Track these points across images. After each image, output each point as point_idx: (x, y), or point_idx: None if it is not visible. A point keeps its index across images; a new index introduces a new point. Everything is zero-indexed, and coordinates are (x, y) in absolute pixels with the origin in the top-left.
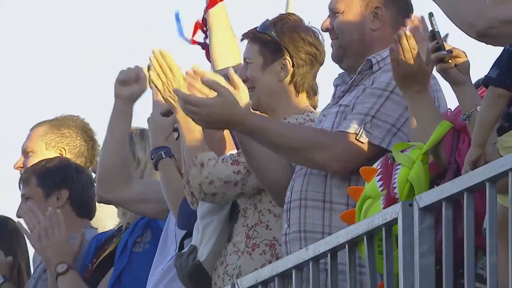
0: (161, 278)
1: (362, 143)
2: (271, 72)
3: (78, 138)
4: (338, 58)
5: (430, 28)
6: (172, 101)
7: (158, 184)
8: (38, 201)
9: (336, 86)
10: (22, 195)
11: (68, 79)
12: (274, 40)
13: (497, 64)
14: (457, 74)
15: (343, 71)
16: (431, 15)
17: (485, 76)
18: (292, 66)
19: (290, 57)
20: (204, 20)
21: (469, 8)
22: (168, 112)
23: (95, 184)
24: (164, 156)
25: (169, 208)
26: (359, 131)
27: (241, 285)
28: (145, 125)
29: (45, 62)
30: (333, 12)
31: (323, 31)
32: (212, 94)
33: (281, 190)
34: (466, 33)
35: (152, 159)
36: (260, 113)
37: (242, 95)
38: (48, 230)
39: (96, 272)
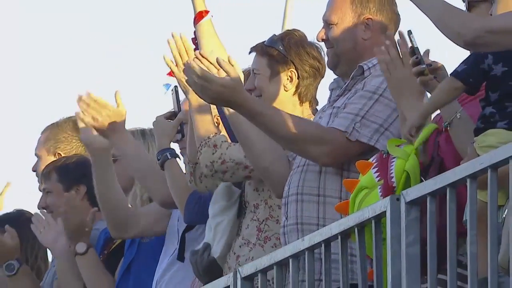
0: (166, 270)
1: (352, 141)
2: (278, 82)
3: (74, 140)
4: (333, 65)
5: (409, 45)
6: (187, 84)
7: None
8: (57, 195)
9: (331, 90)
10: (43, 189)
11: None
12: (282, 54)
13: (465, 61)
14: (437, 83)
15: (337, 76)
16: (409, 32)
17: (454, 69)
18: (298, 78)
19: (296, 70)
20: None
21: (457, 20)
22: (171, 116)
23: None
24: (169, 157)
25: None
26: (350, 130)
27: (242, 272)
28: (144, 126)
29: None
30: (328, 24)
31: (318, 41)
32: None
33: (275, 177)
34: (455, 42)
35: (158, 159)
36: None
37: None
38: (66, 213)
39: (107, 262)
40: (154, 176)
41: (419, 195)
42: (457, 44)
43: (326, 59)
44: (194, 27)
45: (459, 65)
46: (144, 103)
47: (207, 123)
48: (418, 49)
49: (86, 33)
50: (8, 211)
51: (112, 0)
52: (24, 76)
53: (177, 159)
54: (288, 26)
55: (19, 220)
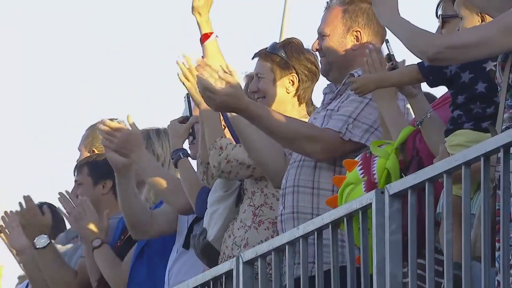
0: (177, 259)
1: (345, 140)
2: (280, 85)
3: None
4: (325, 72)
5: (387, 52)
6: (198, 97)
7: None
8: (87, 187)
9: (324, 94)
10: (75, 181)
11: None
12: (284, 60)
13: None
14: (411, 88)
15: (330, 82)
16: (387, 41)
17: (423, 62)
18: (298, 82)
19: (297, 74)
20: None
21: (421, 39)
22: (184, 120)
23: None
24: (182, 157)
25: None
26: (343, 130)
27: (244, 257)
28: (158, 125)
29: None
30: (321, 35)
31: (313, 50)
32: (217, 82)
33: (273, 170)
34: (421, 59)
35: (172, 159)
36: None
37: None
38: (81, 214)
39: (123, 247)
40: (170, 187)
41: (401, 189)
42: (423, 60)
43: (320, 66)
44: (201, 46)
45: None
46: (143, 103)
47: (214, 129)
48: (393, 56)
49: (86, 33)
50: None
51: (112, 0)
52: (23, 76)
53: (189, 158)
54: (288, 27)
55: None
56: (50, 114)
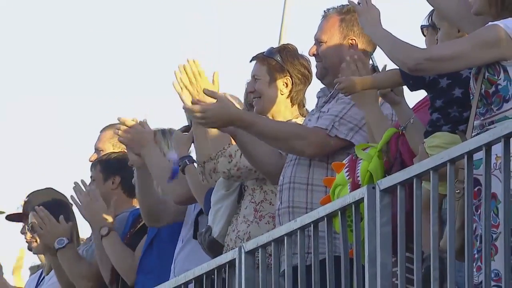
0: (182, 247)
1: (331, 136)
2: (275, 87)
3: None
4: (321, 76)
5: (371, 63)
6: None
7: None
8: (99, 183)
9: (318, 97)
10: (91, 177)
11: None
12: (279, 64)
13: None
14: (394, 96)
15: (324, 86)
16: (371, 54)
17: None
18: (291, 84)
19: (290, 77)
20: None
21: (402, 51)
22: (187, 129)
23: None
24: (188, 163)
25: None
26: (330, 128)
27: (246, 247)
28: (163, 126)
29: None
30: (318, 42)
31: (310, 56)
32: (211, 101)
33: (271, 170)
34: (402, 69)
35: (179, 166)
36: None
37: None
38: (89, 202)
39: (133, 238)
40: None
41: (391, 184)
42: (404, 70)
43: (315, 70)
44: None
45: None
46: (143, 103)
47: (217, 138)
48: (378, 67)
49: (86, 33)
50: (46, 200)
51: (112, 0)
52: (24, 76)
53: (194, 164)
54: (286, 34)
55: (57, 206)
56: (50, 114)
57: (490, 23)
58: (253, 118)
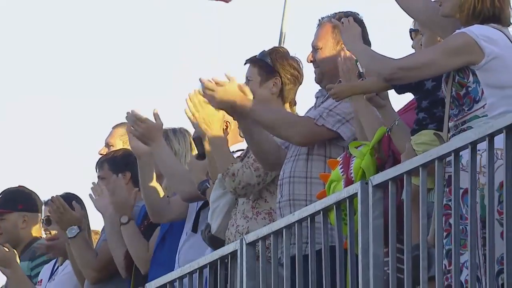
0: (185, 240)
1: (318, 125)
2: (266, 87)
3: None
4: (319, 80)
5: (357, 70)
6: (203, 129)
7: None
8: (109, 180)
9: (316, 98)
10: (98, 176)
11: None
12: (269, 65)
13: None
14: (379, 100)
15: (321, 88)
16: (356, 61)
17: None
18: (281, 84)
19: (280, 78)
20: None
21: (378, 63)
22: (200, 157)
23: None
24: (208, 186)
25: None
26: (317, 117)
27: (247, 239)
28: (174, 125)
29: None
30: (315, 48)
31: (307, 62)
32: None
33: (269, 158)
34: (378, 78)
35: (199, 190)
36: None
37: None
38: (113, 190)
39: (146, 231)
40: (179, 177)
41: (383, 180)
42: (381, 80)
43: (313, 75)
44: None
45: None
46: (143, 103)
47: (224, 156)
48: (363, 73)
49: (86, 33)
50: (60, 194)
51: (112, 0)
52: (24, 75)
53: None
54: (286, 28)
55: (69, 199)
56: (50, 114)
57: (457, 30)
58: (253, 105)
